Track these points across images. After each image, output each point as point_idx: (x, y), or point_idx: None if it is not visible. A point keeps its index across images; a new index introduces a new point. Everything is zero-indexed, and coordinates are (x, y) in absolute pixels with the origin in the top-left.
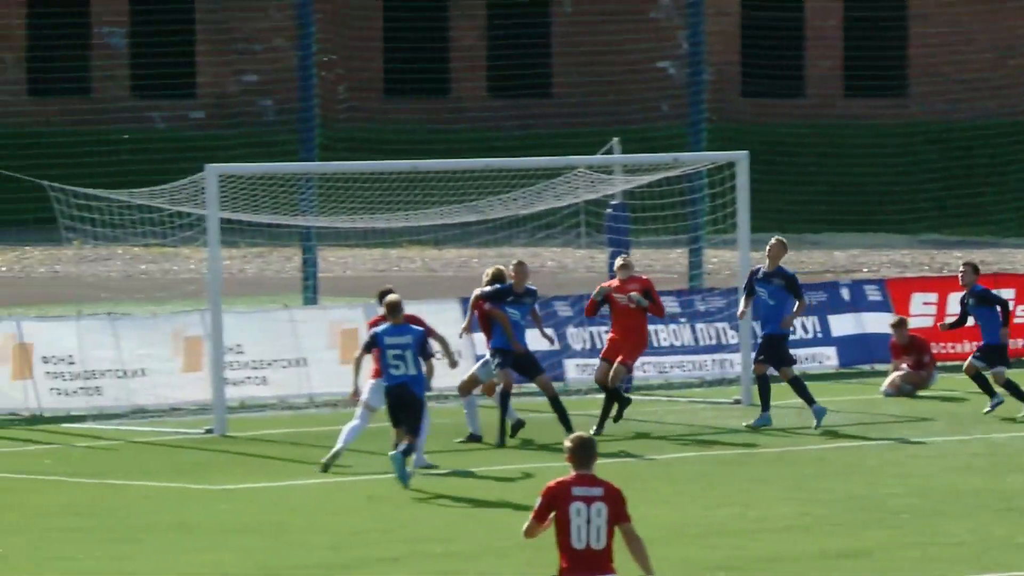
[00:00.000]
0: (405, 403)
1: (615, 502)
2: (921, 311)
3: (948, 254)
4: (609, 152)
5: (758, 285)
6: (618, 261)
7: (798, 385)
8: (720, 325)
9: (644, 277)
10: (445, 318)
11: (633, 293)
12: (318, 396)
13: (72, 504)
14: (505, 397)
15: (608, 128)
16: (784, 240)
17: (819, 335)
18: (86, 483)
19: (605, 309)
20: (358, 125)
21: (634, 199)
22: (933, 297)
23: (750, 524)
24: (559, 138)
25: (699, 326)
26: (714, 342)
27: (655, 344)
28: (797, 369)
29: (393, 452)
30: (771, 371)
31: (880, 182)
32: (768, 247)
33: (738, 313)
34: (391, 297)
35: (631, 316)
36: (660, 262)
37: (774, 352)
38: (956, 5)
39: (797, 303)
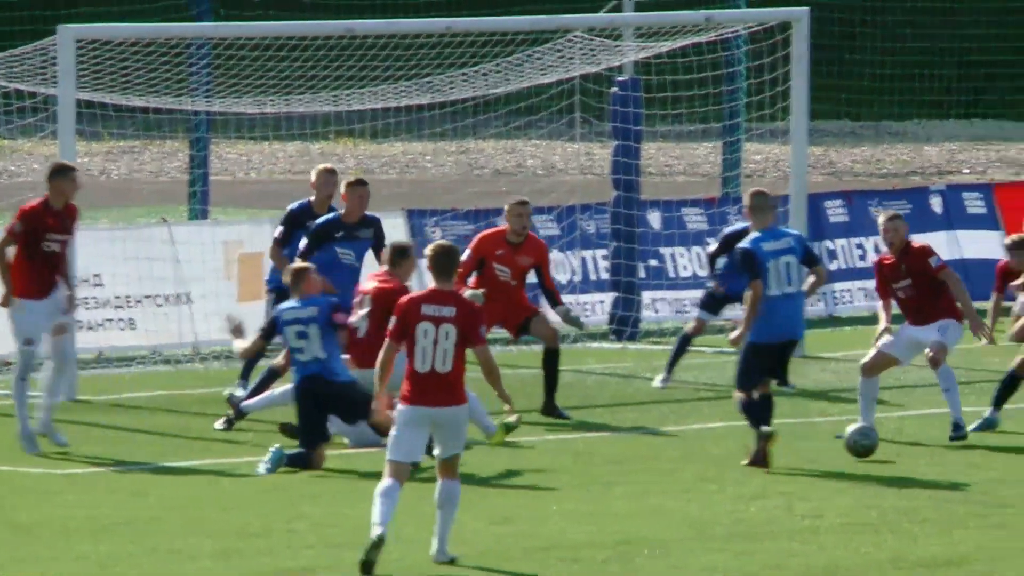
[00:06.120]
0: (327, 399)
1: (467, 323)
2: None
3: None
4: (616, 9)
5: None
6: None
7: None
8: None
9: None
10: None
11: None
12: (206, 345)
13: None
14: None
15: None
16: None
17: None
18: None
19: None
20: None
21: (649, 74)
22: None
23: (798, 522)
24: None
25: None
26: None
27: (671, 275)
28: (869, 307)
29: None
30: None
31: (993, 49)
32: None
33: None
34: (297, 264)
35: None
36: (684, 160)
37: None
38: None
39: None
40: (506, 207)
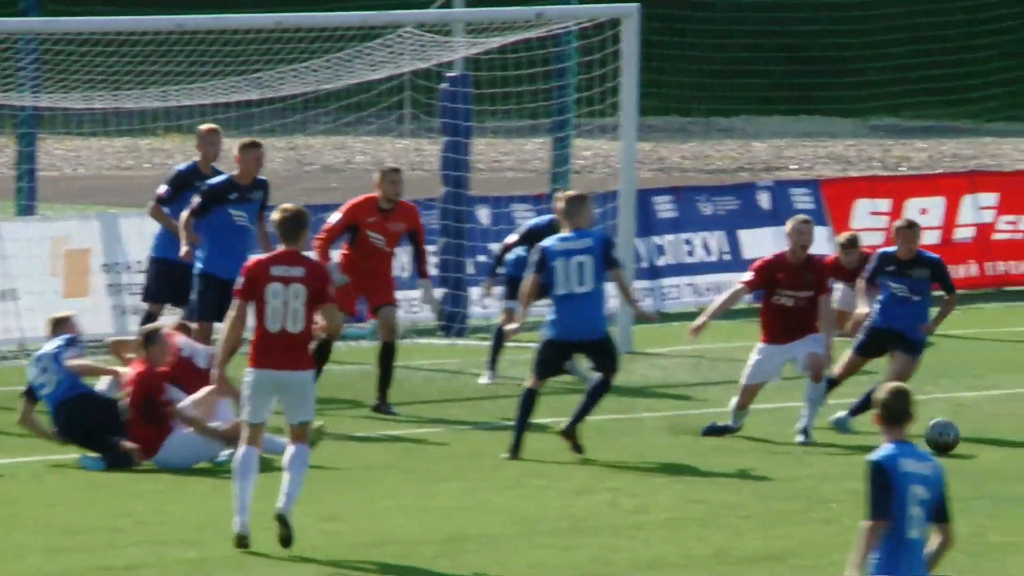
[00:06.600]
0: (82, 415)
1: (316, 282)
2: (868, 224)
3: (908, 145)
4: (446, 5)
5: None
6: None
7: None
8: None
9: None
10: None
11: (336, 273)
12: (32, 342)
13: None
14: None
15: None
16: None
17: (726, 256)
18: None
19: None
20: None
21: (479, 70)
22: (885, 204)
23: (624, 517)
24: None
25: None
26: None
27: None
28: (697, 302)
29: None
30: None
31: (819, 47)
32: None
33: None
34: (58, 315)
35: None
36: (514, 155)
37: None
38: None
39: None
40: (378, 174)
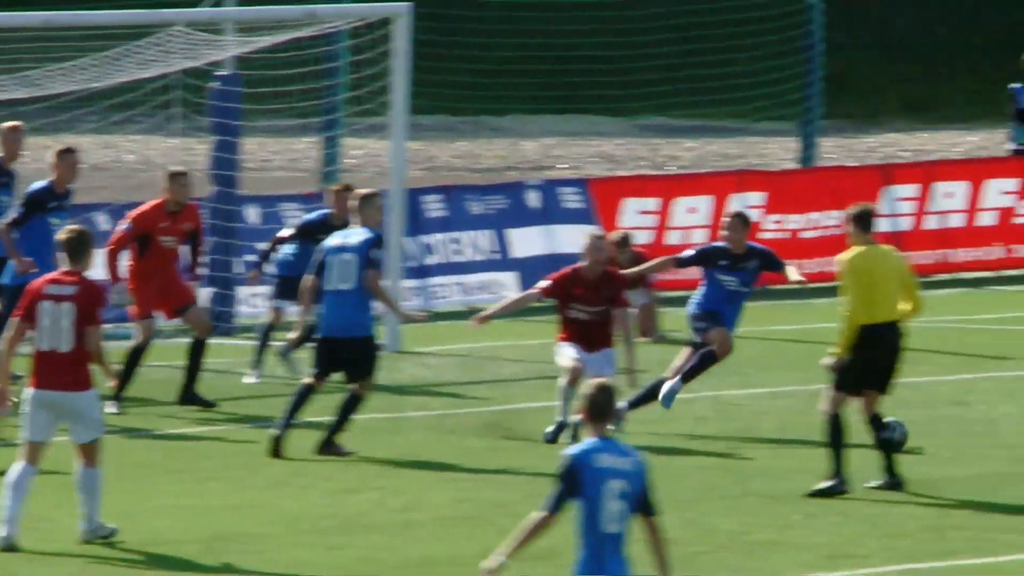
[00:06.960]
0: None
1: (87, 301)
2: (636, 223)
3: (677, 144)
4: (217, 4)
5: None
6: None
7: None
8: None
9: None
10: None
11: (122, 295)
12: None
13: None
14: None
15: None
16: None
17: (495, 256)
18: None
19: None
20: None
21: (250, 69)
22: (653, 203)
23: (391, 515)
24: None
25: None
26: None
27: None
28: (465, 301)
29: None
30: None
31: (587, 46)
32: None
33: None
34: None
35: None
36: (283, 155)
37: None
38: None
39: None
40: (166, 178)
